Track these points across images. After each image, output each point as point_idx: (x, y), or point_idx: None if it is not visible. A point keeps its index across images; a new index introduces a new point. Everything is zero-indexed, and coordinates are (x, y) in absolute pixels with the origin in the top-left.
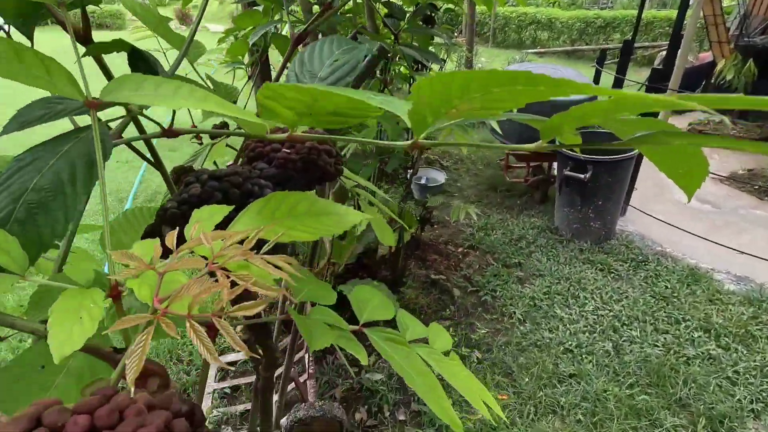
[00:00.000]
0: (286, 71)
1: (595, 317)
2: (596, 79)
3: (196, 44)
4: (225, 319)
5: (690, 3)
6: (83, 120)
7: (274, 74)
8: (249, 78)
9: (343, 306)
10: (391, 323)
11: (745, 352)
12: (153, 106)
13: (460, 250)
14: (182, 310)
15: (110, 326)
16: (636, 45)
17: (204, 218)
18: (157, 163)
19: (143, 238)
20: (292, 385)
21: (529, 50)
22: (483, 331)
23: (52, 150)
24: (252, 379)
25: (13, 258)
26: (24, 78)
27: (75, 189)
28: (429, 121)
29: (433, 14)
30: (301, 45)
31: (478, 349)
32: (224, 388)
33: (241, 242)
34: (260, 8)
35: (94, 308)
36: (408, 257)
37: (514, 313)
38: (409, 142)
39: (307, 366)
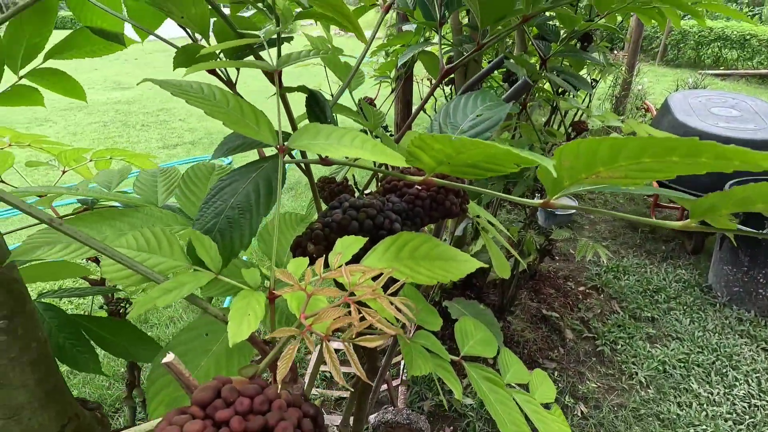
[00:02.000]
0: (431, 116)
1: (746, 405)
2: None
3: (358, 74)
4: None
5: None
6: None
7: (415, 87)
8: (392, 91)
9: (444, 319)
10: (493, 357)
11: None
12: (326, 153)
13: (581, 289)
14: (321, 330)
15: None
16: None
17: (345, 248)
18: (308, 175)
19: (292, 247)
20: (385, 386)
21: (708, 71)
22: (593, 385)
23: (245, 175)
24: (351, 369)
25: (212, 259)
26: (241, 127)
27: (259, 209)
28: (565, 184)
29: (590, 37)
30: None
31: (585, 403)
32: (325, 371)
33: (374, 278)
34: (413, 27)
35: (258, 308)
36: (520, 286)
37: (636, 373)
38: (541, 201)
39: (401, 372)
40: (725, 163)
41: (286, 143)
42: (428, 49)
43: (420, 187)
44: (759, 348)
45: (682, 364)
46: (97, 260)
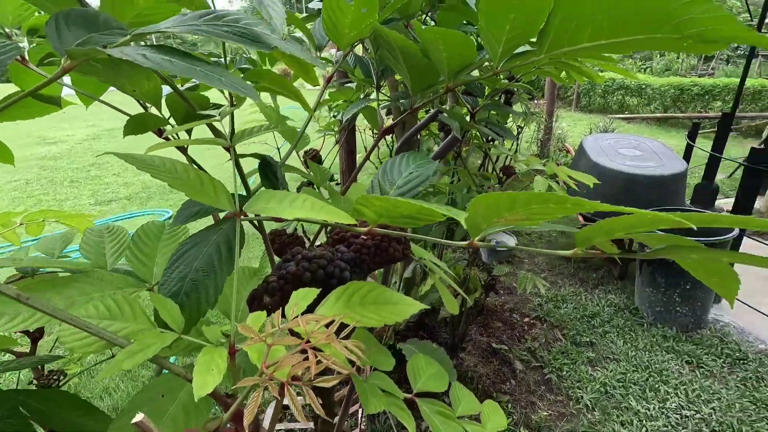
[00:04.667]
0: (375, 164)
1: (678, 417)
2: (686, 154)
3: (304, 137)
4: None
5: None
6: None
7: (358, 137)
8: (336, 143)
9: (400, 361)
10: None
11: None
12: (278, 216)
13: (526, 320)
14: (282, 377)
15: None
16: (739, 115)
17: (300, 299)
18: (261, 232)
19: (248, 300)
20: None
21: (616, 116)
22: (545, 413)
23: (206, 238)
24: (305, 425)
25: (175, 320)
26: (202, 197)
27: (222, 269)
28: (482, 227)
29: (512, 90)
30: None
31: None
32: (279, 430)
33: (327, 324)
34: (353, 85)
35: (221, 362)
36: (470, 322)
37: (582, 397)
38: (466, 243)
39: (359, 421)
40: (580, 207)
41: (243, 209)
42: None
43: (366, 237)
44: (683, 362)
45: (621, 384)
46: (27, 332)
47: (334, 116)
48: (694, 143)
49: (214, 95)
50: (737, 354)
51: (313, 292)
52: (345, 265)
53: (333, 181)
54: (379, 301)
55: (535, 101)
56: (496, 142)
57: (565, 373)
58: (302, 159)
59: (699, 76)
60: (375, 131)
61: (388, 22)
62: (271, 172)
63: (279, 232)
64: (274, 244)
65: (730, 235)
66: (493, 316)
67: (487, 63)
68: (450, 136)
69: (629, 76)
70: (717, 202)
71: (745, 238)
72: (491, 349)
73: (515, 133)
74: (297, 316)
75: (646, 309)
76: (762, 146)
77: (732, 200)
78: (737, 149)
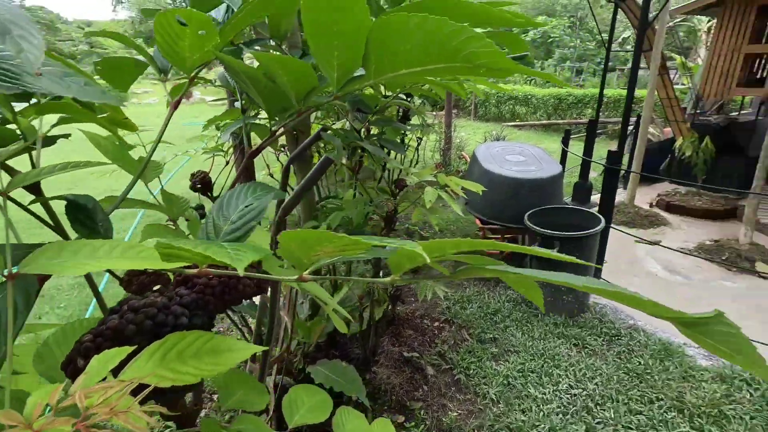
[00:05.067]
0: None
1: (569, 396)
2: (563, 158)
3: (153, 165)
4: None
5: (637, 83)
6: None
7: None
8: (227, 162)
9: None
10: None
11: None
12: (65, 273)
13: (436, 324)
14: None
15: None
16: (604, 120)
17: (103, 364)
18: (91, 283)
19: (63, 365)
20: None
21: (509, 123)
22: (455, 414)
23: None
24: None
25: None
26: None
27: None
28: (305, 262)
29: (408, 108)
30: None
31: None
32: None
33: (135, 390)
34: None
35: None
36: (381, 334)
37: (488, 392)
38: (295, 277)
39: None
40: (358, 245)
41: (15, 272)
42: (256, 122)
43: (211, 276)
44: (571, 344)
45: (521, 374)
46: None
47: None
48: (568, 147)
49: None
50: (613, 331)
51: (119, 353)
52: (182, 310)
53: (199, 210)
54: (202, 351)
55: (434, 113)
56: (393, 155)
57: (472, 371)
58: (190, 183)
59: (573, 87)
60: (276, 149)
61: (254, 42)
62: (83, 215)
63: (135, 271)
64: (131, 286)
65: (599, 227)
66: (404, 324)
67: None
68: (323, 158)
69: (497, 88)
70: (593, 198)
71: (611, 229)
72: (403, 358)
73: (416, 144)
74: (75, 394)
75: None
76: (617, 149)
77: None
78: (604, 150)
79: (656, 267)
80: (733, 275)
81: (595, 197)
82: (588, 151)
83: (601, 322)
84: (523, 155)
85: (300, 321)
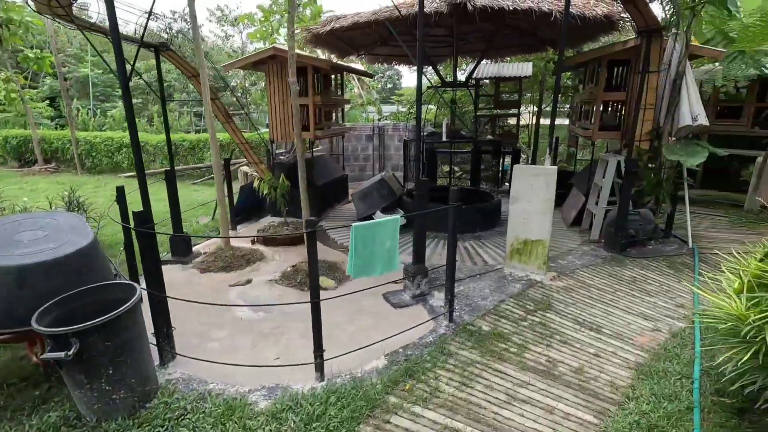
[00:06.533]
0: None
1: None
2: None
3: None
4: None
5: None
6: None
7: None
8: None
9: None
10: None
11: None
12: None
13: None
14: None
15: None
16: (182, 168)
17: None
18: None
19: None
20: None
21: (126, 174)
22: None
23: None
24: None
25: None
26: None
27: None
28: None
29: None
30: None
31: None
32: None
33: None
34: None
35: None
36: None
37: None
38: None
39: None
40: None
41: None
42: None
43: None
44: None
45: None
46: None
47: None
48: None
49: None
50: (178, 412)
51: None
52: None
53: None
54: None
55: None
56: None
57: None
58: None
59: (194, 132)
60: None
61: None
62: None
63: None
64: None
65: (133, 300)
66: None
67: None
68: None
69: None
70: (195, 248)
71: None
72: None
73: None
74: None
75: (86, 413)
76: (143, 207)
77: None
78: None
79: (243, 310)
80: (304, 294)
81: (197, 247)
82: (173, 199)
83: (167, 405)
84: (45, 229)
85: None
